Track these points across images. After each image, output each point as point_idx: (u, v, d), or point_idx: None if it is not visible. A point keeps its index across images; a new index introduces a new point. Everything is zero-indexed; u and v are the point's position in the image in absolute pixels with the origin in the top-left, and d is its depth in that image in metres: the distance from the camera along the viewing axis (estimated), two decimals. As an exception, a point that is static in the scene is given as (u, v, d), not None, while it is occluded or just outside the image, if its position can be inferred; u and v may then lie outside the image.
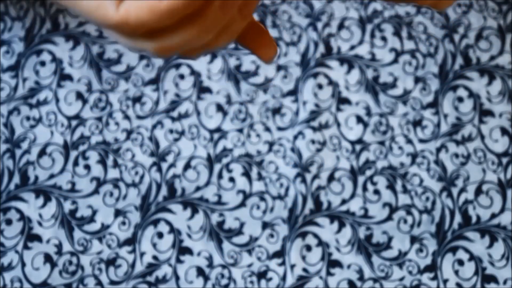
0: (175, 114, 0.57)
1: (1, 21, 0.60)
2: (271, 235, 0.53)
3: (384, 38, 0.59)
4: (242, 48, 0.58)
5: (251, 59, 0.58)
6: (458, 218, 0.53)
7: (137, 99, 0.57)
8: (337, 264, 0.52)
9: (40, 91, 0.58)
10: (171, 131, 0.56)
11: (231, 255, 0.53)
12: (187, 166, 0.55)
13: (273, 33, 0.58)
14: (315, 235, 0.53)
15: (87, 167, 0.55)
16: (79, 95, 0.57)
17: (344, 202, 0.54)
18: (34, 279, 0.52)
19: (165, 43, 0.21)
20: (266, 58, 0.23)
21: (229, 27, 0.20)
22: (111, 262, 0.53)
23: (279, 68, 0.58)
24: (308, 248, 0.53)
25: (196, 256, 0.53)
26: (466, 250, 0.52)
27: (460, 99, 0.57)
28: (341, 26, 0.59)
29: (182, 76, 0.58)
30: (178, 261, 0.53)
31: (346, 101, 0.57)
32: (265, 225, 0.53)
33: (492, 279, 0.51)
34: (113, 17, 0.19)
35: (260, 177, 0.55)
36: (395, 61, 0.58)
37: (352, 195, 0.54)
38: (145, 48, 0.21)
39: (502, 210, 0.53)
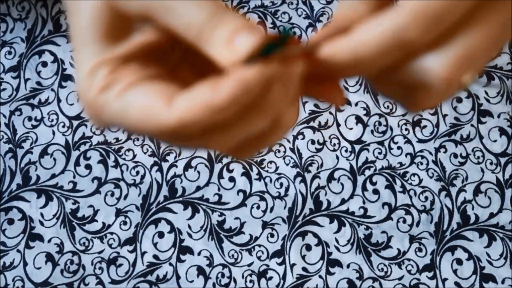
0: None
1: (3, 22, 0.60)
2: (271, 235, 0.53)
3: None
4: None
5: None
6: (456, 218, 0.53)
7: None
8: (336, 263, 0.52)
9: (42, 91, 0.58)
10: (171, 131, 0.57)
11: (232, 254, 0.53)
12: (188, 166, 0.55)
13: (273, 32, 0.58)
14: (315, 235, 0.53)
15: (89, 167, 0.56)
16: (81, 96, 0.58)
17: (343, 201, 0.54)
18: (36, 278, 0.52)
19: (223, 138, 0.18)
20: (338, 103, 0.21)
21: (283, 113, 0.18)
22: (112, 261, 0.53)
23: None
24: (308, 247, 0.53)
25: (197, 255, 0.53)
26: (465, 250, 0.53)
27: (459, 100, 0.57)
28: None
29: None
30: (179, 260, 0.53)
31: (346, 101, 0.57)
32: (265, 225, 0.54)
33: (491, 278, 0.52)
34: (168, 121, 0.16)
35: (260, 177, 0.55)
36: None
37: (352, 195, 0.54)
38: (202, 147, 0.19)
39: (501, 209, 0.54)
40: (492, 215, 0.53)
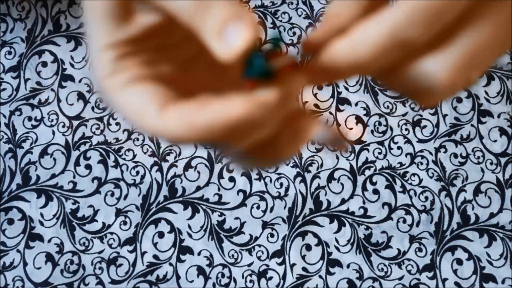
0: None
1: (3, 22, 0.60)
2: (271, 235, 0.53)
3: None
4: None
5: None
6: (457, 218, 0.53)
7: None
8: (336, 263, 0.52)
9: (42, 91, 0.58)
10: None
11: (232, 254, 0.53)
12: (188, 166, 0.55)
13: (273, 33, 0.58)
14: (315, 235, 0.53)
15: (89, 167, 0.56)
16: (81, 96, 0.58)
17: (343, 201, 0.54)
18: (36, 278, 0.52)
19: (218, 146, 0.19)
20: (342, 152, 0.22)
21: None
22: (112, 261, 0.53)
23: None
24: (308, 247, 0.53)
25: (197, 255, 0.53)
26: (465, 250, 0.53)
27: (459, 100, 0.57)
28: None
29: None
30: (179, 260, 0.53)
31: (346, 101, 0.57)
32: (265, 225, 0.54)
33: (491, 278, 0.52)
34: (155, 128, 0.17)
35: (260, 177, 0.55)
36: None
37: (352, 195, 0.54)
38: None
39: (501, 209, 0.54)
40: (492, 215, 0.53)
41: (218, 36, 0.16)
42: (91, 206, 0.54)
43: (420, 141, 0.56)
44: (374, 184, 0.55)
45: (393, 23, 0.16)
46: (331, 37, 0.18)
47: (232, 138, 0.17)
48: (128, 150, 0.56)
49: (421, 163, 0.55)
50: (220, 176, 0.55)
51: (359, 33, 0.17)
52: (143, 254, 0.53)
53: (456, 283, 0.52)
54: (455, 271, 0.52)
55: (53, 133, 0.56)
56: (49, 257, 0.53)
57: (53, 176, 0.55)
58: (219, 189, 0.55)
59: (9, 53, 0.59)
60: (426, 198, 0.54)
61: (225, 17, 0.16)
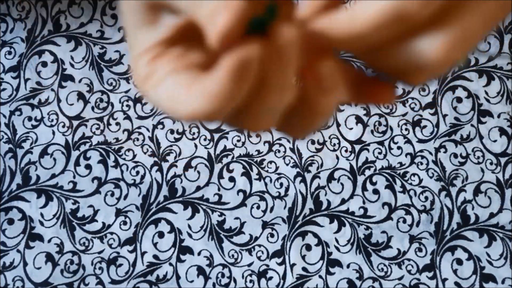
0: (175, 114, 0.57)
1: (3, 22, 0.60)
2: (271, 235, 0.53)
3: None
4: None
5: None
6: (456, 218, 0.53)
7: (138, 100, 0.58)
8: (336, 263, 0.52)
9: (42, 91, 0.58)
10: (172, 131, 0.57)
11: (232, 254, 0.53)
12: (188, 166, 0.55)
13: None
14: (315, 235, 0.53)
15: (89, 167, 0.56)
16: (81, 96, 0.58)
17: (343, 201, 0.54)
18: (36, 278, 0.52)
19: (250, 118, 0.19)
20: (387, 102, 0.22)
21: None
22: (112, 261, 0.53)
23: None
24: (308, 247, 0.53)
25: (197, 255, 0.53)
26: (465, 250, 0.53)
27: (459, 100, 0.57)
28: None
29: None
30: (179, 260, 0.53)
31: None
32: (265, 225, 0.54)
33: (491, 278, 0.52)
34: (186, 113, 0.18)
35: (260, 177, 0.55)
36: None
37: (352, 195, 0.54)
38: (239, 126, 0.20)
39: (501, 209, 0.54)
40: (492, 215, 0.53)
41: (210, 21, 0.17)
42: (91, 206, 0.54)
43: (420, 141, 0.56)
44: (374, 184, 0.55)
45: None
46: (329, 8, 0.18)
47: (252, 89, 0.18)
48: (128, 150, 0.56)
49: (421, 163, 0.55)
50: (220, 176, 0.55)
51: (361, 6, 0.17)
52: (143, 254, 0.53)
53: (456, 283, 0.52)
54: (455, 271, 0.52)
55: (53, 133, 0.56)
56: (49, 257, 0.53)
57: (53, 176, 0.55)
58: (219, 189, 0.55)
59: (9, 53, 0.59)
60: (426, 198, 0.54)
61: (215, 6, 0.17)
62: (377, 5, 0.17)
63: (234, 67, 0.16)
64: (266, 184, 0.55)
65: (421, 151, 0.55)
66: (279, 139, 0.56)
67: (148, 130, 0.57)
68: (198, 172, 0.55)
